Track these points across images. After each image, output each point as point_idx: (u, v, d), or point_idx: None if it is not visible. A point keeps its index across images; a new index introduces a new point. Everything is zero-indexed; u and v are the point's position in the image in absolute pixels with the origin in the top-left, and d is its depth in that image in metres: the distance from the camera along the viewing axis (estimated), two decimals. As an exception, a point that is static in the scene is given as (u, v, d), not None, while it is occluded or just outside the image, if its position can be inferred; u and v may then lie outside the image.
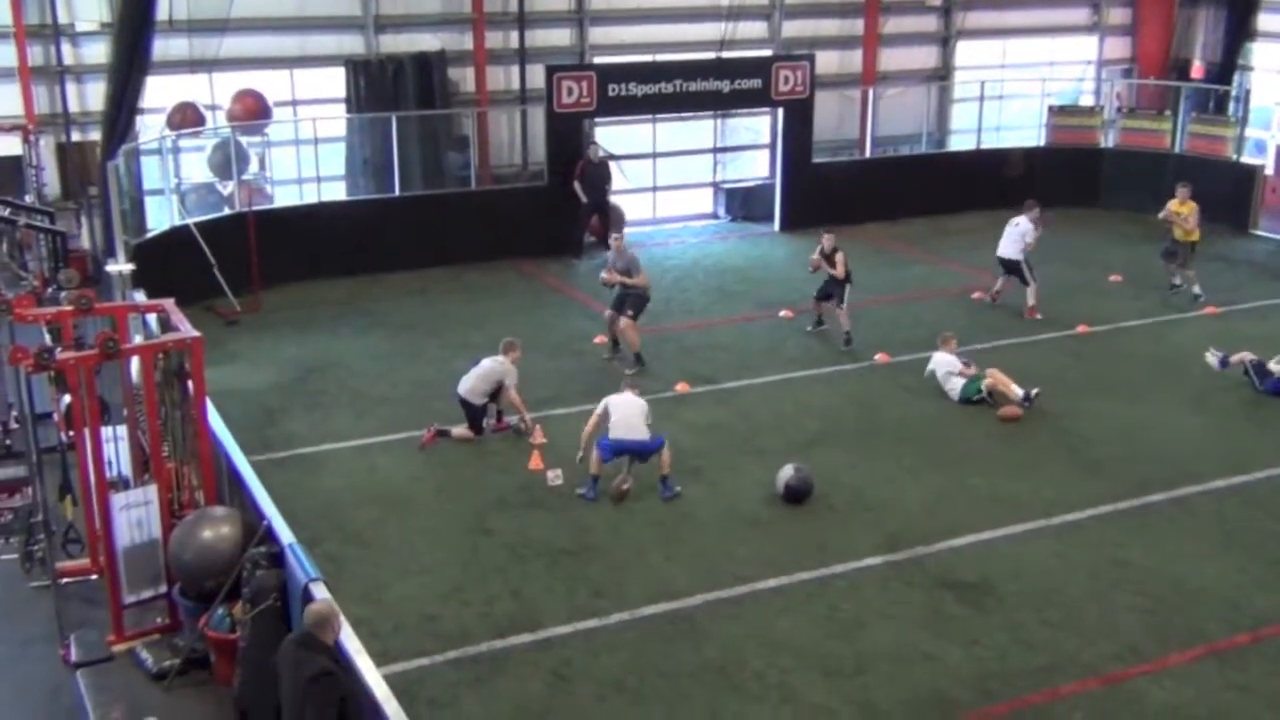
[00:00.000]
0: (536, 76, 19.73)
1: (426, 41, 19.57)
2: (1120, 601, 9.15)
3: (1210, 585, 9.37)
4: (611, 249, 14.50)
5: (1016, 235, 16.27)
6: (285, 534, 7.55)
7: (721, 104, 20.59)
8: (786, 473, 10.74)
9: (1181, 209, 16.77)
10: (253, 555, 7.58)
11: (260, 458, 10.99)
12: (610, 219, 19.19)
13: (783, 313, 16.25)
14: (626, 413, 10.79)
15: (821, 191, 20.74)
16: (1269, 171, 21.95)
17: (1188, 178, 17.91)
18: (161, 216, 16.79)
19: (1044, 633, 8.72)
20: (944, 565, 9.64)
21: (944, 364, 13.18)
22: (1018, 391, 12.85)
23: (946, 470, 11.39)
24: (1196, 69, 24.58)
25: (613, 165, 19.84)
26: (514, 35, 20.19)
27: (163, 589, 8.56)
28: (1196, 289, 16.76)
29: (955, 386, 13.05)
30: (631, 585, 9.33)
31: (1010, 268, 16.33)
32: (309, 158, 18.39)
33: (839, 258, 14.98)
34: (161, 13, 16.13)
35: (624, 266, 14.16)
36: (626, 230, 20.50)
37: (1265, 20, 24.00)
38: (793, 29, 22.26)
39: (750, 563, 9.66)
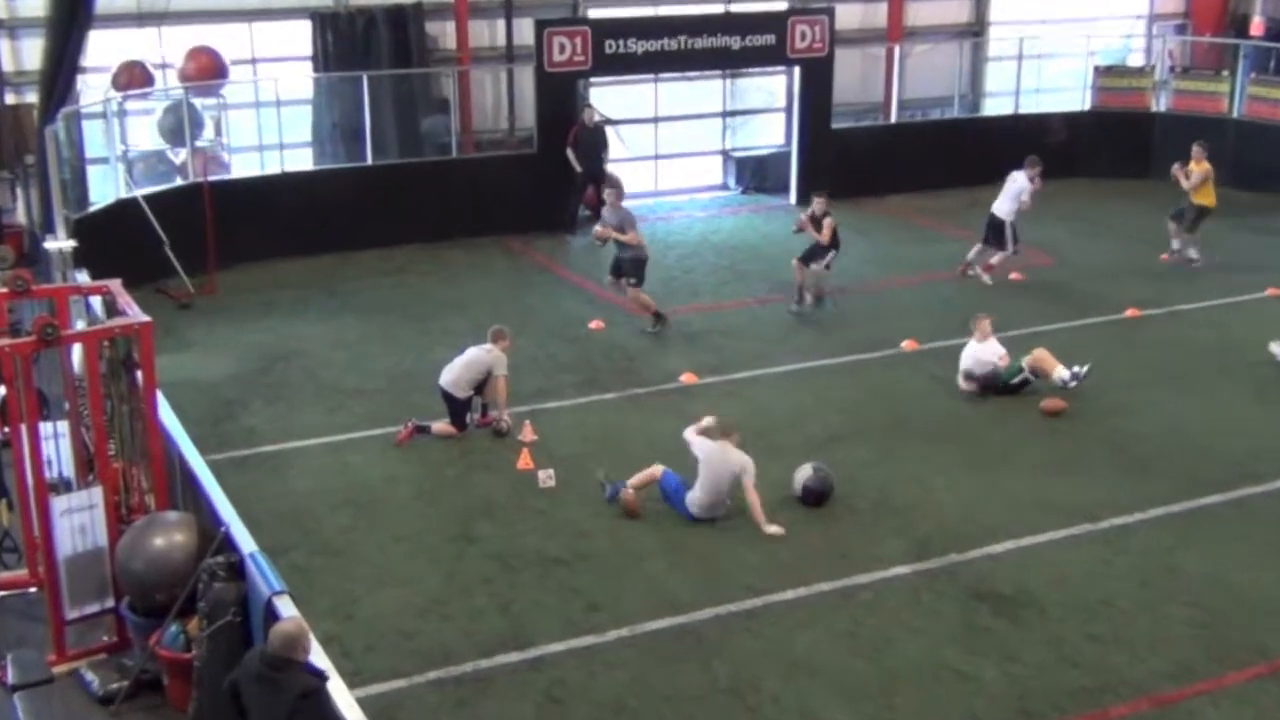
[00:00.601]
0: (525, 32, 19.71)
1: (401, -8, 19.57)
2: (1173, 614, 9.16)
3: (1271, 596, 9.37)
4: (606, 205, 15.05)
5: (1013, 193, 16.51)
6: (246, 542, 7.53)
7: (731, 62, 20.59)
8: (804, 472, 10.75)
9: (1195, 168, 17.14)
10: (210, 565, 7.55)
11: (218, 456, 10.99)
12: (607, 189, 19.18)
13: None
14: (715, 477, 10.23)
15: (842, 160, 20.74)
16: (1338, 138, 21.96)
17: (1247, 144, 18.00)
18: (106, 188, 16.78)
19: (1089, 649, 8.73)
20: (979, 574, 9.64)
21: (980, 358, 13.09)
22: (1064, 372, 12.87)
23: (981, 469, 11.40)
24: (1256, 25, 24.53)
25: (610, 131, 19.84)
26: (499, -14, 20.20)
27: (110, 603, 8.54)
28: (1193, 252, 17.23)
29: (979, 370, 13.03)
30: (632, 598, 9.33)
31: (996, 229, 16.53)
32: (270, 122, 18.38)
33: (827, 223, 15.35)
34: (106, -40, 16.13)
35: (617, 223, 14.68)
36: (627, 202, 20.59)
37: (1333, -30, 24.03)
38: (809, -21, 22.28)
39: (764, 572, 9.65)
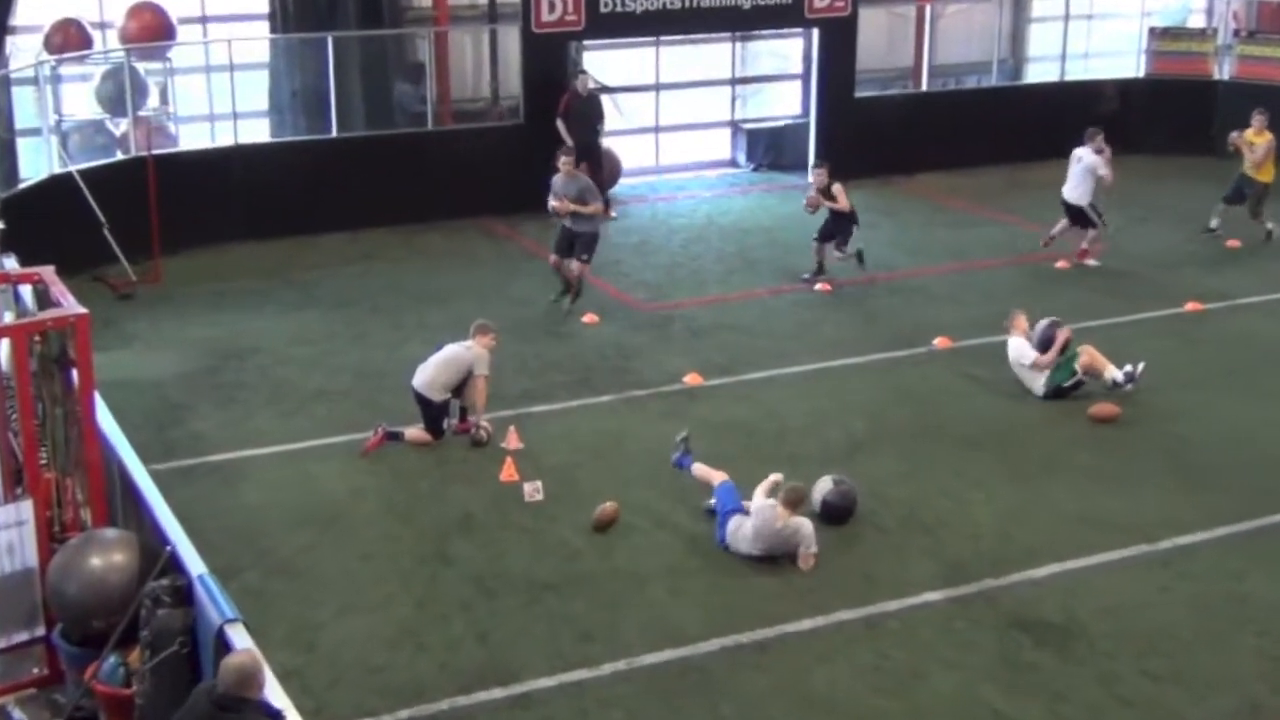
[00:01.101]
0: (509, -12, 19.73)
1: (371, -56, 19.57)
2: (1239, 645, 9.15)
3: (1352, 627, 9.38)
4: (560, 172, 15.10)
5: (1080, 173, 16.52)
6: (194, 562, 7.51)
7: (742, 23, 20.63)
8: (823, 486, 10.74)
9: (1256, 140, 17.09)
10: (153, 589, 7.53)
11: (163, 466, 11.00)
12: (602, 166, 19.15)
13: (819, 285, 16.29)
14: (775, 541, 10.02)
15: (867, 133, 20.79)
16: None
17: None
18: (38, 162, 16.77)
19: (1145, 685, 8.71)
20: (1020, 601, 9.63)
21: (1024, 352, 13.11)
22: (1116, 373, 12.89)
23: (1023, 482, 11.41)
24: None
25: (606, 100, 19.85)
26: (480, -64, 20.25)
27: (40, 631, 8.50)
28: (1271, 225, 17.57)
29: (1037, 382, 13.01)
30: (629, 627, 9.31)
31: (1072, 212, 16.56)
32: (223, 89, 18.33)
33: (837, 189, 15.67)
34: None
35: (576, 193, 14.88)
36: (624, 180, 20.62)
37: None
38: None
39: (778, 599, 9.63)
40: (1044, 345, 13.03)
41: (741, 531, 10.15)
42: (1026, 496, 11.15)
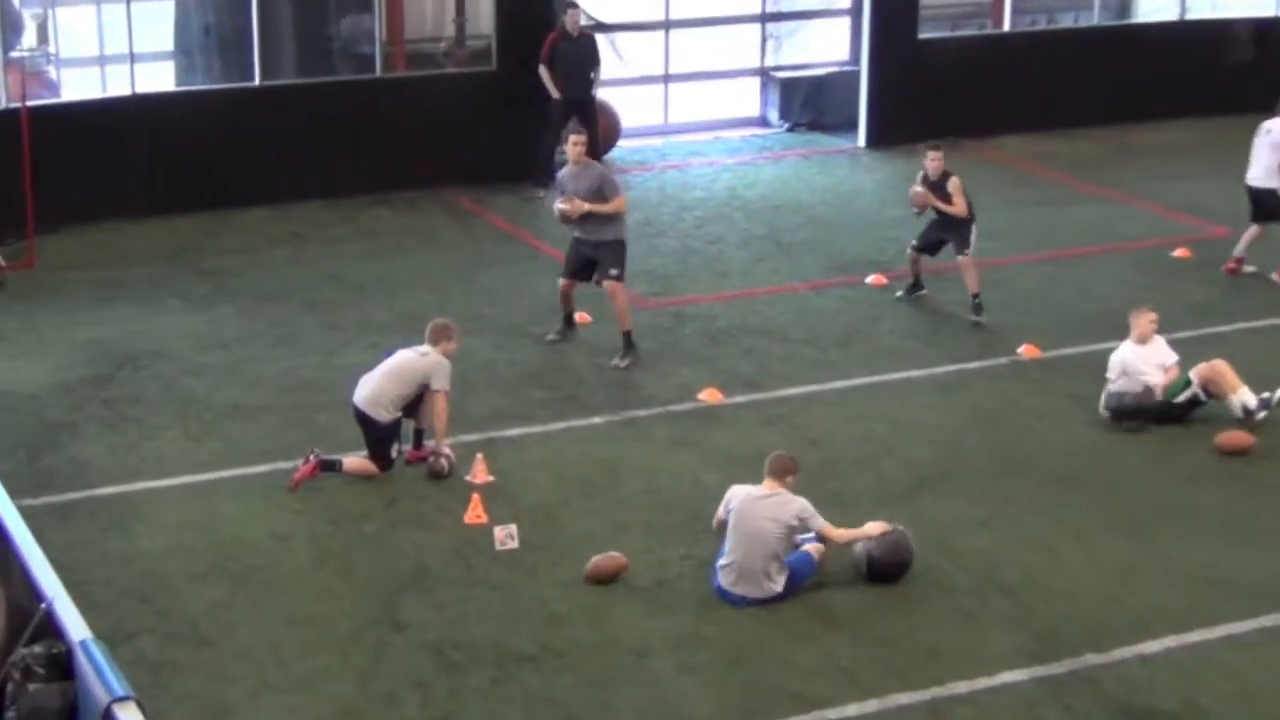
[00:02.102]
0: (480, -102, 19.79)
1: None
2: (1406, 742, 9.17)
3: None
4: (569, 160, 14.28)
5: (1267, 148, 16.22)
6: (76, 625, 7.42)
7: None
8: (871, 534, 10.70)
9: None
10: (23, 658, 7.52)
11: (36, 502, 11.00)
12: (595, 125, 19.11)
13: (870, 278, 16.34)
14: (754, 532, 10.25)
15: (932, 86, 20.83)
16: None
17: None
18: (-118, 116, 16.77)
19: (1285, 793, 8.73)
20: (1128, 683, 9.57)
21: (1134, 368, 13.05)
22: (1249, 396, 12.88)
23: (1130, 531, 11.37)
24: None
25: (602, 41, 19.84)
26: None
27: (-121, 709, 8.51)
28: None
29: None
30: (625, 711, 9.27)
31: (1264, 204, 16.22)
32: (117, 24, 18.30)
33: (954, 185, 15.07)
34: None
35: (589, 188, 13.97)
36: (624, 142, 20.57)
37: None
38: None
39: (816, 677, 9.59)
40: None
41: (723, 558, 10.35)
42: (1136, 550, 11.11)
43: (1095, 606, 10.39)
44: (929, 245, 15.45)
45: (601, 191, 13.95)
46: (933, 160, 15.15)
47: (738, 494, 10.49)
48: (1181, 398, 12.97)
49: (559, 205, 14.11)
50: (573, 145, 14.16)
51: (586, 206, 13.87)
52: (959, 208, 15.02)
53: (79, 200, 17.22)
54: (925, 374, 14.08)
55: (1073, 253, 17.23)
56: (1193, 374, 12.98)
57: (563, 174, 14.36)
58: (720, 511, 10.53)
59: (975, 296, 15.09)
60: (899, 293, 15.77)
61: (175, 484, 11.92)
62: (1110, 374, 13.09)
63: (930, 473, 12.23)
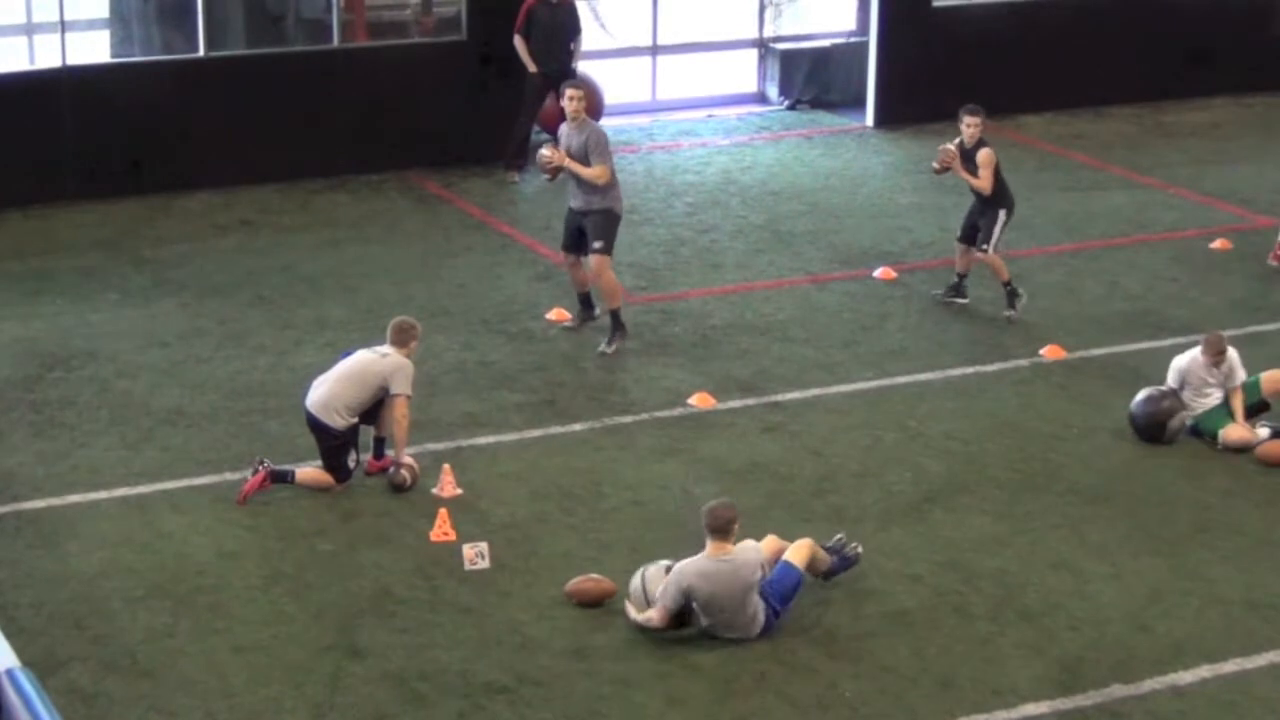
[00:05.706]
0: None
1: None
2: None
3: None
4: (568, 118, 14.51)
5: None
6: (3, 652, 7.51)
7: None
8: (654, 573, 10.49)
9: None
10: (-60, 691, 7.37)
11: (-44, 517, 11.09)
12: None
13: (878, 271, 16.35)
14: (726, 615, 10.16)
15: (948, 58, 20.85)
16: None
17: None
18: None
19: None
20: (1159, 717, 9.63)
21: (1204, 377, 12.96)
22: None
23: (1163, 551, 11.41)
24: None
25: (582, 7, 19.91)
26: None
27: None
28: None
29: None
30: (609, 751, 9.28)
31: None
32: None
33: (983, 157, 15.00)
34: None
35: (580, 147, 14.22)
36: (607, 120, 20.41)
37: None
38: None
39: (819, 711, 9.63)
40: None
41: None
42: (1168, 571, 11.14)
43: (1124, 633, 10.44)
44: (969, 234, 15.32)
45: (587, 153, 14.18)
46: (969, 126, 15.02)
47: (686, 575, 10.12)
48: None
49: (543, 152, 14.47)
50: (569, 100, 14.40)
51: (566, 161, 14.17)
52: (983, 182, 14.93)
53: (4, 184, 17.26)
54: (938, 377, 14.10)
55: (1101, 244, 17.27)
56: (1262, 378, 13.05)
57: (562, 129, 14.59)
58: (667, 602, 10.15)
59: (1007, 284, 15.02)
60: (935, 291, 15.57)
61: (111, 496, 11.93)
62: (1171, 383, 13.03)
63: (943, 486, 12.24)
